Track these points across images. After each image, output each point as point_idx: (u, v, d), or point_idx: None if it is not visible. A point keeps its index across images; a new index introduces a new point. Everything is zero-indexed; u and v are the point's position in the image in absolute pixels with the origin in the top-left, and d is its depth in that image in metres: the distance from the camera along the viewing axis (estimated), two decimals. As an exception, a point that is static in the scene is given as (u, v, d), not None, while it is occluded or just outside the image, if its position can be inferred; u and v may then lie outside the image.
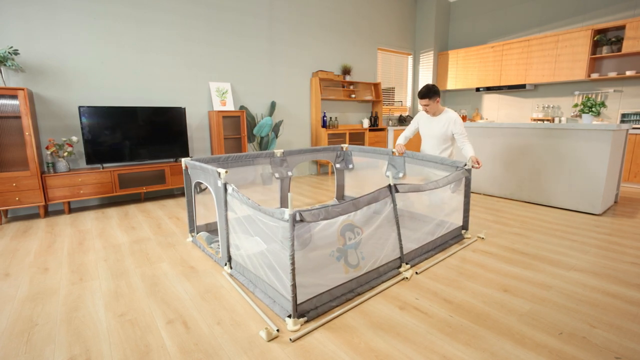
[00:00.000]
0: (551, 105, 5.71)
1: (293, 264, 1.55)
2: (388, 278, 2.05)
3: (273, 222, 1.65)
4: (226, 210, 2.09)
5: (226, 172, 2.03)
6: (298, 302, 1.63)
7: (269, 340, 1.51)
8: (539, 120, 5.78)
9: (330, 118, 5.90)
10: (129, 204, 3.95)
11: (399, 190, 2.12)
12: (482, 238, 2.73)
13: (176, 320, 1.67)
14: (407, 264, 2.22)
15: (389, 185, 2.08)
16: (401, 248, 2.16)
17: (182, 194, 4.41)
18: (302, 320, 1.62)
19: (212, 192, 2.23)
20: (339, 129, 5.82)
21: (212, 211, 3.14)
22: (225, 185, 2.05)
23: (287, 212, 1.51)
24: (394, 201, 2.09)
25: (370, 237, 1.97)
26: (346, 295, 1.84)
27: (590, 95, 5.29)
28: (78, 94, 3.73)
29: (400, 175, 3.18)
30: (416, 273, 2.14)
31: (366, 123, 6.25)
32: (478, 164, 2.68)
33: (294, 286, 1.57)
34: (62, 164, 3.49)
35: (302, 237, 1.60)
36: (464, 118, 6.77)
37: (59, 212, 3.63)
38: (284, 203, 3.45)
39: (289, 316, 1.63)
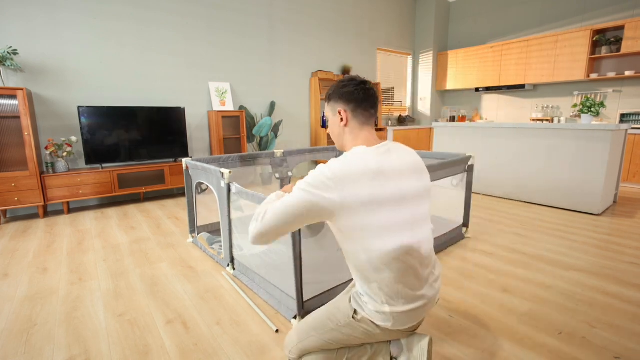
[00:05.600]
0: (550, 106, 5.72)
1: (299, 263, 1.53)
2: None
3: None
4: (229, 210, 2.08)
5: (230, 172, 2.02)
6: (304, 300, 1.62)
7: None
8: (539, 120, 5.79)
9: (330, 118, 5.89)
10: (128, 204, 3.95)
11: None
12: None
13: (176, 321, 1.67)
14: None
15: None
16: None
17: (182, 194, 4.41)
18: None
19: (214, 192, 2.22)
20: (338, 129, 5.81)
21: (213, 212, 3.14)
22: (229, 185, 2.04)
23: None
24: None
25: None
26: None
27: (589, 96, 5.30)
28: (78, 94, 3.72)
29: None
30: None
31: (366, 123, 6.23)
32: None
33: (299, 286, 1.57)
34: (61, 164, 3.48)
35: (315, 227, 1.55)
36: (463, 118, 6.74)
37: (58, 212, 3.62)
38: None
39: (295, 317, 1.62)
